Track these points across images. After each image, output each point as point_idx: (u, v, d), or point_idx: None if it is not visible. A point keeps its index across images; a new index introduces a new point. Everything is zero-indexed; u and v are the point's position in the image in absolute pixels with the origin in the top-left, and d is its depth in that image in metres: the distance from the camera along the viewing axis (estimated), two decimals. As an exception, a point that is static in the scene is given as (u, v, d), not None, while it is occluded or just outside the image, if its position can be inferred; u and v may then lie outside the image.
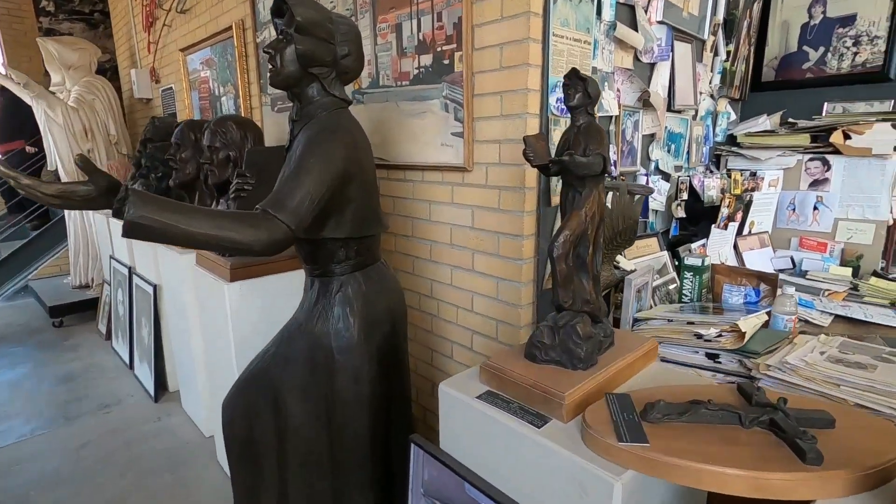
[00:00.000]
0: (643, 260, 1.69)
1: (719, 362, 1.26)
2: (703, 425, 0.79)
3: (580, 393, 0.89)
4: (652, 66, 1.84)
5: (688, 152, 2.17)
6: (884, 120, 2.08)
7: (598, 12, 1.54)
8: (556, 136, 1.46)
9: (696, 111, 2.17)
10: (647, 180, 1.87)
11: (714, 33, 2.19)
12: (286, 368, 1.26)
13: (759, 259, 2.18)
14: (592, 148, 0.91)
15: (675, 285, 1.78)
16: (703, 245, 2.06)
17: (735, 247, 2.16)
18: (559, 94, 1.45)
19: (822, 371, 1.07)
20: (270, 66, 1.18)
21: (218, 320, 1.75)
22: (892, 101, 2.25)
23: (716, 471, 0.68)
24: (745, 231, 2.21)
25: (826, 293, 1.88)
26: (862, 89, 2.35)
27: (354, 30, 1.23)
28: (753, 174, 2.21)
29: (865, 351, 1.18)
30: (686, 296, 1.63)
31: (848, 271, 2.06)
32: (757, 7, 2.49)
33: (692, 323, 1.32)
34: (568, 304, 0.96)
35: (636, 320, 1.43)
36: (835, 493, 0.67)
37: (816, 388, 1.05)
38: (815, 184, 2.22)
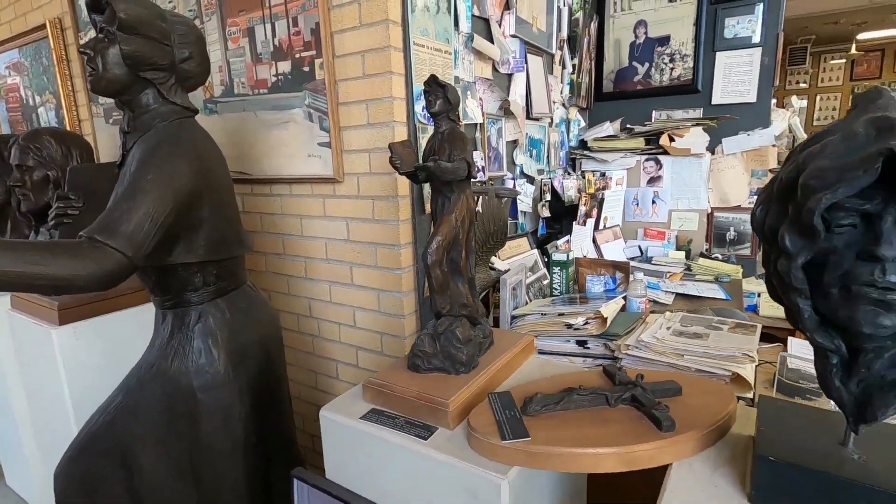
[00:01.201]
0: (516, 259, 1.78)
1: (588, 348, 1.36)
2: (576, 411, 0.83)
3: (464, 397, 0.89)
4: (509, 76, 1.95)
5: (548, 156, 2.35)
6: (697, 125, 2.47)
7: (456, 24, 1.59)
8: (424, 143, 1.47)
9: (552, 119, 2.36)
10: (514, 183, 1.98)
11: (560, 48, 2.41)
12: (137, 419, 1.08)
13: (614, 250, 2.44)
14: (456, 153, 0.92)
15: (546, 280, 1.90)
16: (568, 241, 2.24)
17: (594, 240, 2.39)
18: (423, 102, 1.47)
19: (669, 344, 1.21)
20: (90, 69, 1.01)
21: (46, 374, 1.45)
22: (702, 109, 2.68)
23: (590, 453, 0.72)
24: (601, 226, 2.46)
25: (668, 275, 2.16)
26: (680, 99, 2.76)
27: (195, 31, 1.11)
28: (603, 174, 2.47)
29: (700, 322, 1.37)
30: (556, 289, 1.75)
31: (682, 255, 2.40)
32: (594, 26, 2.80)
33: (562, 314, 1.41)
34: (446, 309, 0.96)
35: (514, 317, 1.50)
36: (687, 454, 0.75)
37: (666, 360, 1.18)
38: (652, 181, 2.55)
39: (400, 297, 1.46)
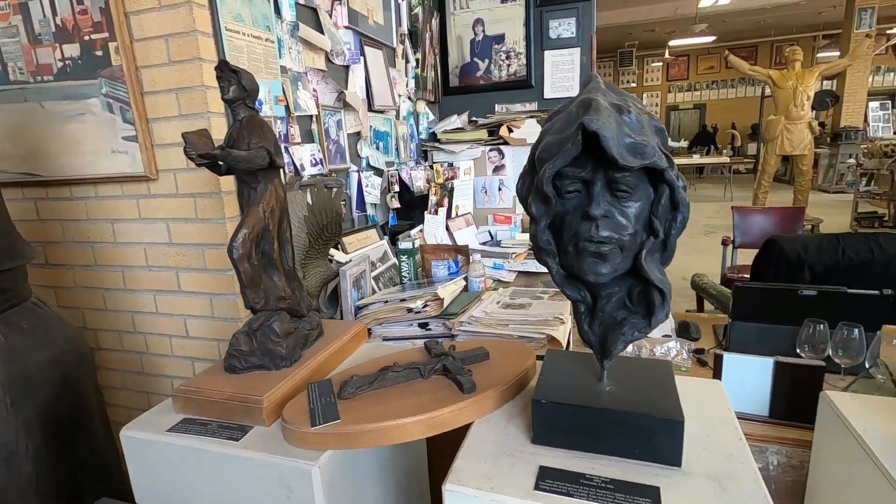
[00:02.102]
0: (365, 250, 1.78)
1: (430, 329, 1.41)
2: (392, 387, 0.86)
3: (282, 391, 0.87)
4: (347, 68, 1.94)
5: (397, 149, 2.39)
6: (531, 117, 2.70)
7: (278, 11, 1.53)
8: (248, 135, 1.40)
9: (398, 112, 2.40)
10: (360, 176, 1.97)
11: (402, 42, 2.45)
12: None
13: (467, 236, 2.57)
14: (255, 142, 0.88)
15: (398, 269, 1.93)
16: (421, 230, 2.30)
17: (447, 228, 2.49)
18: (245, 92, 1.39)
19: (496, 317, 1.31)
20: None
21: None
22: (537, 102, 2.94)
23: (396, 424, 0.75)
24: (453, 214, 2.57)
25: (513, 255, 2.33)
26: (518, 93, 2.98)
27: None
28: (451, 165, 2.58)
29: (527, 294, 1.51)
30: (405, 277, 1.79)
31: (526, 236, 2.62)
32: (435, 22, 2.90)
33: (404, 300, 1.45)
34: (260, 304, 0.92)
35: (359, 308, 1.50)
36: (487, 411, 0.81)
37: (494, 331, 1.28)
38: (497, 169, 2.73)
39: (234, 299, 1.37)
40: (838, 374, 1.05)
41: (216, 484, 0.81)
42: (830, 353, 1.04)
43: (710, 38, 11.40)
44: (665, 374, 0.76)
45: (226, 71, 0.89)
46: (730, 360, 0.93)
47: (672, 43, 11.50)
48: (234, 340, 0.92)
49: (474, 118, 2.87)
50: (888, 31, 9.28)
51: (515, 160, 2.71)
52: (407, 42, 2.51)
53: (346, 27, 1.91)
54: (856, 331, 1.02)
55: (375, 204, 2.10)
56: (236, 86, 0.89)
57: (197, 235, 1.38)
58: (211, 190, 1.33)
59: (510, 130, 2.65)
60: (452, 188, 2.52)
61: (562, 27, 2.84)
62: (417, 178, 2.32)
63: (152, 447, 0.84)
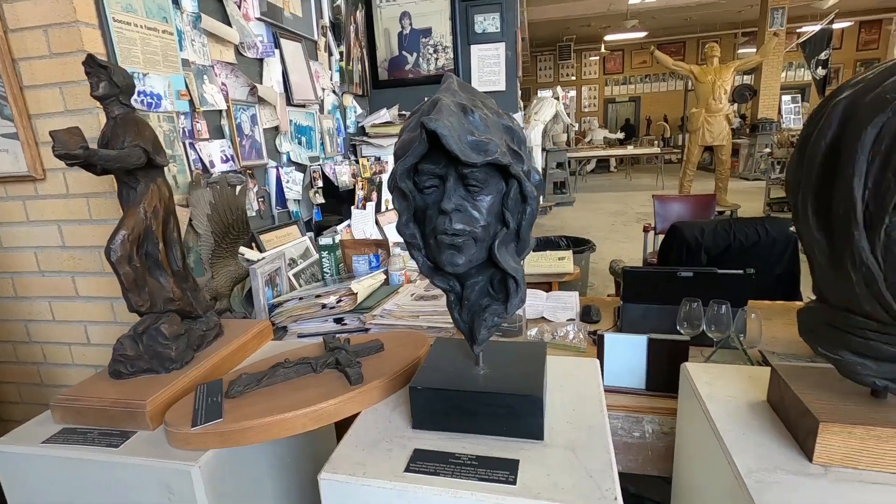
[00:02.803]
0: (284, 247, 1.76)
1: (345, 324, 1.42)
2: (283, 383, 0.87)
3: (168, 394, 0.85)
4: (260, 61, 1.89)
5: (322, 143, 2.36)
6: (458, 110, 2.74)
7: (176, 1, 1.47)
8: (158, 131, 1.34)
9: (322, 105, 2.37)
10: (280, 172, 1.94)
11: (324, 35, 2.41)
12: None
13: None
14: (130, 140, 0.86)
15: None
16: (349, 225, 2.29)
17: (377, 223, 2.49)
18: (141, 86, 1.34)
19: (407, 309, 1.34)
20: None
21: None
22: (465, 97, 2.98)
23: (278, 419, 0.76)
24: (383, 208, 2.57)
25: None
26: (446, 87, 3.01)
27: None
28: (378, 159, 2.58)
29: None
30: (327, 273, 1.79)
31: (457, 228, 2.66)
32: (360, 14, 2.87)
33: (319, 296, 1.45)
34: (145, 307, 0.90)
35: (274, 306, 1.48)
36: (375, 400, 0.84)
37: (405, 322, 1.31)
38: (426, 163, 2.76)
39: (136, 302, 1.32)
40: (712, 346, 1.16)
41: (95, 493, 0.79)
42: (704, 328, 1.15)
43: (642, 34, 11.91)
44: (537, 355, 0.82)
45: (94, 66, 0.86)
46: (609, 339, 1.01)
47: (607, 38, 11.92)
48: (119, 345, 0.90)
49: (404, 112, 2.88)
50: (798, 30, 10.03)
51: (444, 153, 2.74)
52: (330, 34, 2.47)
53: (259, 19, 1.86)
54: (724, 307, 1.12)
55: (298, 200, 2.07)
56: (107, 82, 0.86)
57: (92, 237, 1.32)
58: (105, 190, 1.27)
59: (438, 124, 2.67)
60: (380, 182, 2.53)
61: (486, 22, 2.89)
62: (342, 173, 2.31)
63: (26, 461, 0.81)
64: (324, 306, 1.41)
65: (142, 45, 1.34)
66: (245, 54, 1.80)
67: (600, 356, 1.03)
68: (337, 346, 0.93)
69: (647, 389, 1.02)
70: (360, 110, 2.82)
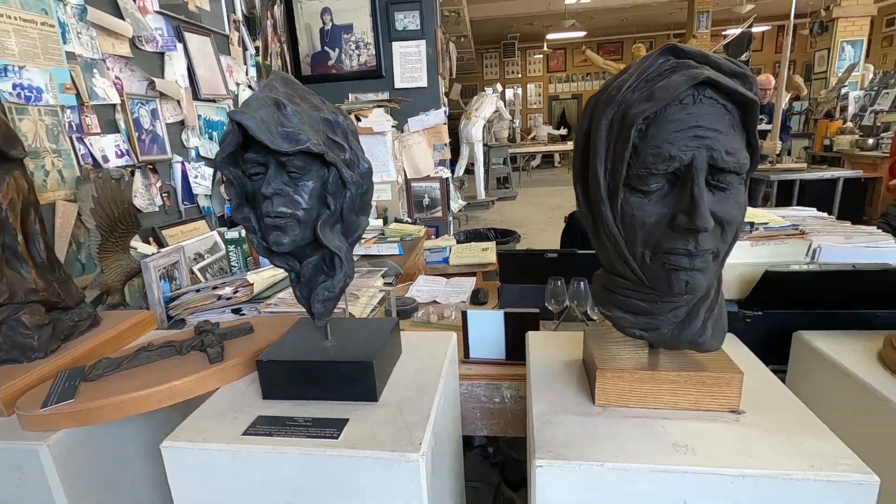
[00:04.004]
0: (189, 242, 1.76)
1: (243, 314, 1.46)
2: (146, 366, 0.90)
3: (26, 381, 0.87)
4: (161, 55, 1.88)
5: (237, 138, 2.35)
6: (378, 106, 2.80)
7: (59, -7, 1.45)
8: (24, 125, 1.33)
9: (237, 101, 2.36)
10: (186, 167, 1.93)
11: (237, 29, 2.40)
12: None
13: (321, 224, 2.61)
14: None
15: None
16: (267, 220, 2.30)
17: (298, 217, 2.51)
18: (17, 79, 1.32)
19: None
20: None
21: None
22: (388, 92, 3.04)
23: (131, 397, 0.80)
24: (305, 202, 2.60)
25: (361, 241, 2.43)
26: (370, 83, 3.06)
27: None
28: (297, 154, 2.59)
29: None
30: (235, 266, 1.81)
31: (380, 222, 2.72)
32: (278, 9, 2.86)
33: (216, 287, 1.48)
34: (3, 297, 0.91)
35: (172, 299, 1.49)
36: (234, 377, 0.89)
37: (297, 310, 1.36)
38: (349, 158, 2.80)
39: None
40: (574, 321, 1.28)
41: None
42: (568, 303, 1.27)
43: (582, 34, 12.30)
44: (384, 329, 0.90)
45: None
46: (471, 315, 1.10)
47: (549, 37, 12.25)
48: (-24, 336, 0.90)
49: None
50: (723, 33, 10.70)
51: (367, 147, 2.78)
52: (244, 29, 2.46)
53: (158, 12, 1.85)
54: (582, 283, 1.25)
55: (209, 195, 2.07)
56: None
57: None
58: (-22, 184, 1.25)
59: (358, 119, 2.72)
60: (301, 177, 2.54)
61: (407, 19, 2.95)
62: (256, 168, 2.31)
63: None
64: (220, 297, 1.44)
65: (17, 38, 1.32)
66: (143, 48, 1.78)
67: (465, 331, 1.13)
68: (205, 330, 0.98)
69: (507, 359, 1.12)
70: (281, 105, 2.81)
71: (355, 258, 2.16)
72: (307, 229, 0.73)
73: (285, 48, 2.92)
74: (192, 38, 2.04)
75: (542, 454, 0.64)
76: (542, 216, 6.54)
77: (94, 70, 1.56)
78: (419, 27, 2.95)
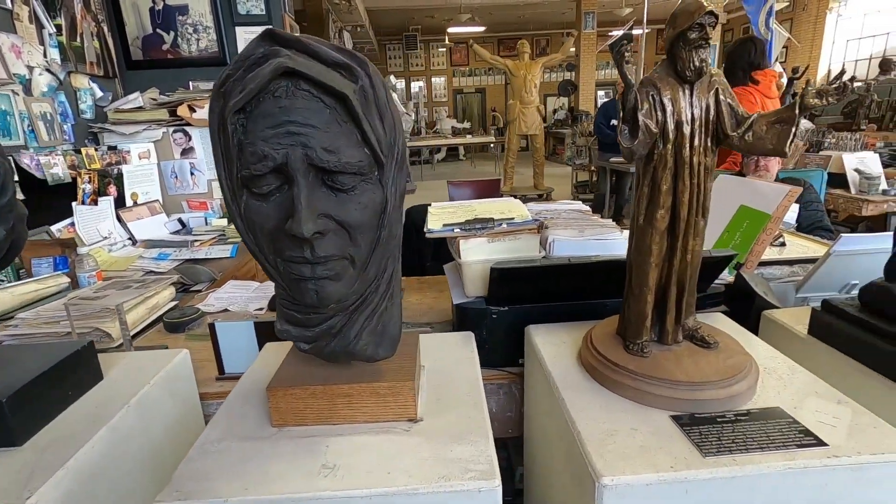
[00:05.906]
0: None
1: None
2: None
3: None
4: None
5: (32, 130, 2.04)
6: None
7: None
8: None
9: (29, 86, 2.05)
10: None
11: (26, 3, 2.08)
12: None
13: (150, 227, 2.36)
14: None
15: None
16: (73, 224, 2.03)
17: (120, 220, 2.24)
18: None
19: (45, 315, 1.21)
20: None
21: None
22: (235, 82, 2.81)
23: None
24: (129, 203, 2.33)
25: (194, 244, 2.22)
26: (214, 70, 2.82)
27: None
28: (114, 149, 2.32)
29: (117, 285, 1.42)
30: (3, 279, 1.55)
31: (224, 221, 2.52)
32: (93, -16, 2.54)
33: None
34: None
35: None
36: None
37: (40, 330, 1.17)
38: (185, 152, 2.55)
39: None
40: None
41: None
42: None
43: (481, 28, 12.54)
44: (54, 356, 0.77)
45: None
46: (221, 327, 1.01)
47: (450, 30, 12.34)
48: None
49: (166, 94, 2.62)
50: (609, 33, 11.41)
51: (205, 142, 2.56)
52: (36, 3, 2.13)
53: None
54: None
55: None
56: None
57: None
58: None
59: (192, 110, 2.49)
60: (121, 174, 2.28)
61: (250, 3, 2.76)
62: (52, 165, 2.02)
63: None
64: (-51, 320, 1.21)
65: None
66: None
67: (215, 345, 1.02)
68: None
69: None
70: (101, 93, 2.50)
71: (173, 263, 1.97)
72: None
73: (105, 28, 2.59)
74: (-52, 11, 1.72)
75: (164, 496, 0.56)
76: (436, 209, 6.56)
77: None
78: (264, 11, 2.76)
